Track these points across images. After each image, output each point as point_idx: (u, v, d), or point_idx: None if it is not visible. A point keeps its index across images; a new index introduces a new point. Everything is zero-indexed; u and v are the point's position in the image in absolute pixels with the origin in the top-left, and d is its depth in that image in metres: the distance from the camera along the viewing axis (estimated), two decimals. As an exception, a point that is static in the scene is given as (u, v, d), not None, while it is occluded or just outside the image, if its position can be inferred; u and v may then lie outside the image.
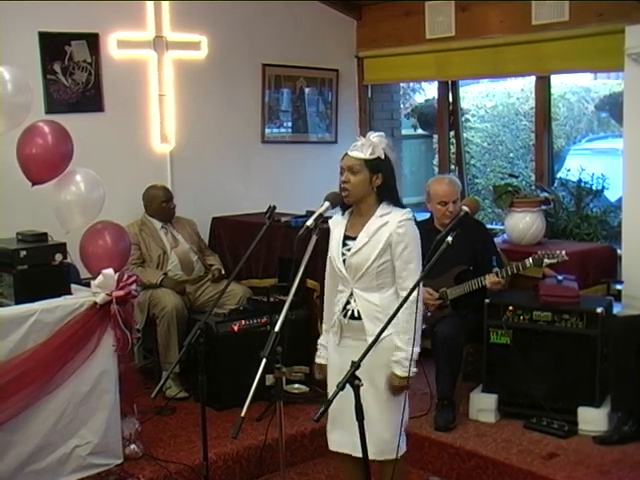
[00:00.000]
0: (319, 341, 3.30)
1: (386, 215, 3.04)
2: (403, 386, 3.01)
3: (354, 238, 3.07)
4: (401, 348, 2.98)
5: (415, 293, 2.82)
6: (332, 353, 3.19)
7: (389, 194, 3.07)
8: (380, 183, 3.03)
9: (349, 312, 3.08)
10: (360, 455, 2.62)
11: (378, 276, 3.03)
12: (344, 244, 3.09)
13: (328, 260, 3.19)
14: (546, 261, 4.18)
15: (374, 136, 3.03)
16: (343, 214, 3.16)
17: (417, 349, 2.99)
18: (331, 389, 3.16)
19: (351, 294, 3.07)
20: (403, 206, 3.09)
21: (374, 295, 3.04)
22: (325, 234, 3.14)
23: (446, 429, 4.15)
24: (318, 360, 3.27)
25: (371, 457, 2.80)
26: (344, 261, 3.06)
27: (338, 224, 3.15)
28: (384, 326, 2.63)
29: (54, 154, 3.86)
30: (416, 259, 3.03)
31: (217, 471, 3.92)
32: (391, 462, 3.04)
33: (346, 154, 3.05)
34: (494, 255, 4.45)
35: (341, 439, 3.13)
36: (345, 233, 3.11)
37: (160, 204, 5.21)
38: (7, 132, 3.92)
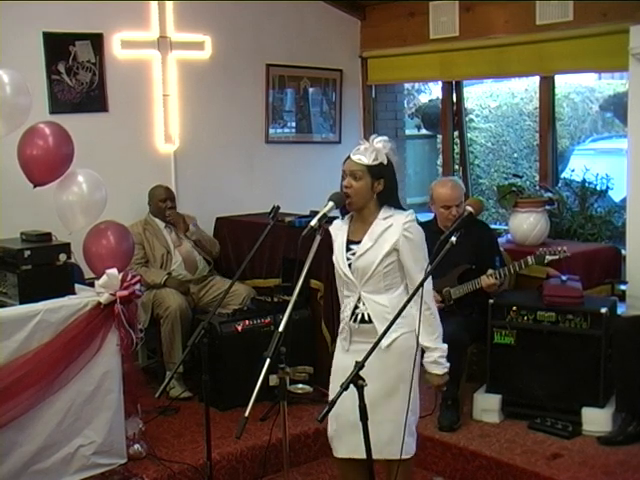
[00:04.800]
0: None
1: (389, 218, 3.02)
2: (443, 383, 3.12)
3: (358, 242, 3.05)
4: (433, 348, 3.05)
5: (420, 291, 2.83)
6: (341, 357, 3.14)
7: (390, 199, 3.06)
8: (382, 189, 3.02)
9: (359, 316, 3.05)
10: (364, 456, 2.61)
11: (385, 277, 3.02)
12: (348, 249, 3.07)
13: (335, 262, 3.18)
14: (548, 257, 4.16)
15: (377, 141, 3.00)
16: (343, 218, 3.14)
17: (445, 345, 3.09)
18: (334, 392, 3.14)
19: (359, 298, 3.05)
20: (404, 209, 3.08)
21: (382, 297, 3.03)
22: (329, 236, 3.12)
23: (450, 429, 4.15)
24: None
25: (378, 456, 2.80)
26: (349, 265, 3.05)
27: (339, 229, 3.13)
28: (388, 326, 2.63)
29: (55, 155, 3.86)
30: (424, 258, 3.02)
31: (221, 471, 3.91)
32: (397, 462, 3.04)
33: (349, 157, 3.03)
34: (497, 256, 4.44)
35: (347, 445, 3.08)
36: (348, 238, 3.09)
37: (157, 202, 5.21)
38: (7, 134, 3.92)
